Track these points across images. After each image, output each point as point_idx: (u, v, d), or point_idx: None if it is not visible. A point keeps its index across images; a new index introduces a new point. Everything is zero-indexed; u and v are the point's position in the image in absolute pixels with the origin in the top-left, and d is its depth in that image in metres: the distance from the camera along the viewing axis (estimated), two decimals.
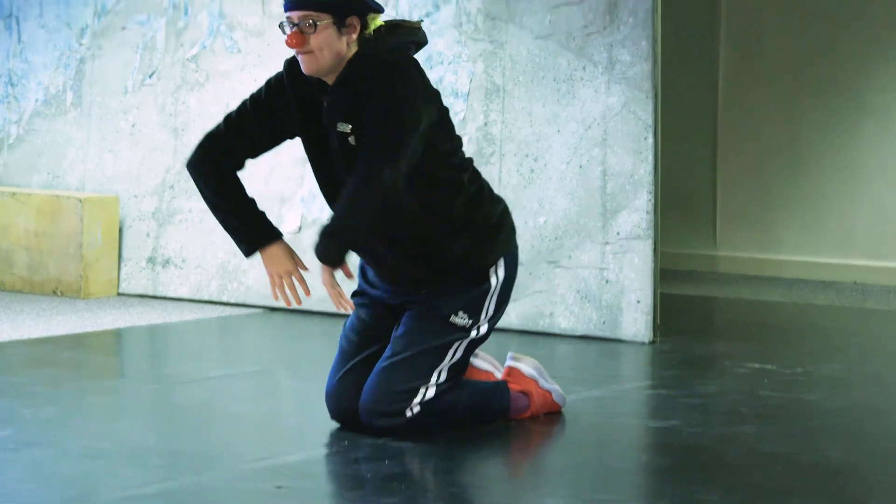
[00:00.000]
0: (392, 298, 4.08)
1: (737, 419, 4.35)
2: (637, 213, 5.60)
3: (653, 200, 5.58)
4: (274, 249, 3.97)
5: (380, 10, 3.92)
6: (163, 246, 6.63)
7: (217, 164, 3.99)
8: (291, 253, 4.00)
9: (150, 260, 6.66)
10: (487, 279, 4.04)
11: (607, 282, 5.65)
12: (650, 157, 5.57)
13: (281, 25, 3.89)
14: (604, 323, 5.66)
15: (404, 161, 3.80)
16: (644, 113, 5.56)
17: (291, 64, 3.95)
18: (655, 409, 4.62)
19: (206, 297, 6.51)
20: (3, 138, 7.10)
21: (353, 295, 4.12)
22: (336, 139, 3.89)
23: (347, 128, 3.86)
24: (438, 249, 3.99)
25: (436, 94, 3.96)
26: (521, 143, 5.80)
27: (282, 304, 4.03)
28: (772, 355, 5.40)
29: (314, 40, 3.82)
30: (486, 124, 5.86)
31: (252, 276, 6.34)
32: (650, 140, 5.56)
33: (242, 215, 4.01)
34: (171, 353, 5.84)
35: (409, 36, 3.96)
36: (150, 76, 6.65)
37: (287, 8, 3.86)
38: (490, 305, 4.06)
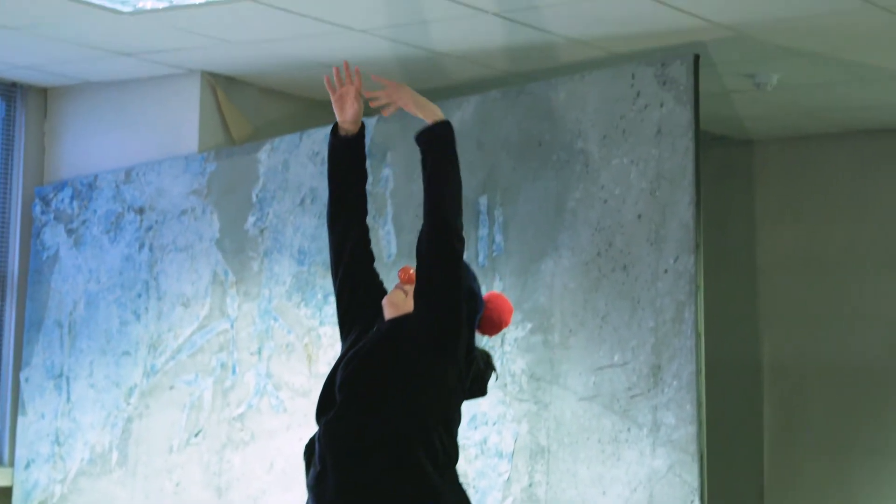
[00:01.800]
0: None
1: None
2: None
3: None
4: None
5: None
6: None
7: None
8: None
9: None
10: None
11: None
12: None
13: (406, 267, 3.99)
14: None
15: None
16: (690, 476, 5.50)
17: None
18: None
19: None
20: (47, 498, 7.08)
21: None
22: (352, 356, 3.89)
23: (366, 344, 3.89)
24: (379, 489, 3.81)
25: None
26: None
27: None
28: None
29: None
30: (530, 485, 5.81)
31: None
32: (696, 503, 5.48)
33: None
34: None
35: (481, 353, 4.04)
36: (196, 435, 6.68)
37: None
38: None
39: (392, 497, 3.76)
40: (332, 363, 4.02)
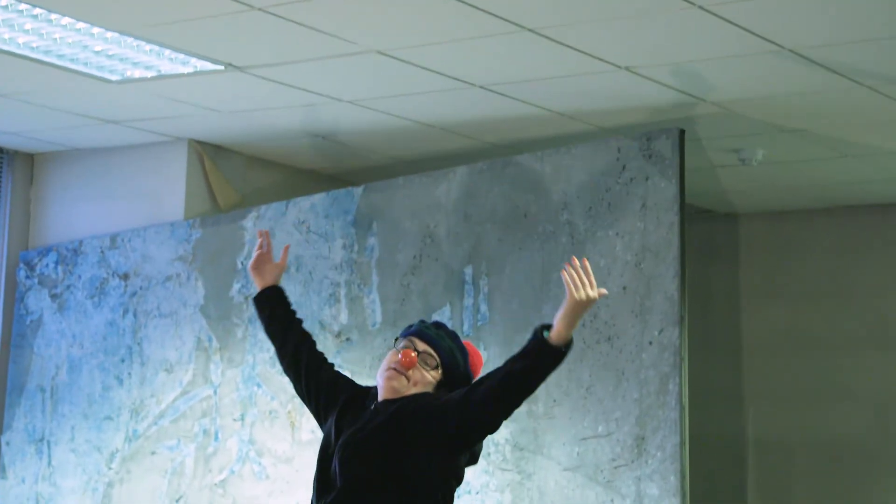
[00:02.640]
0: None
1: None
2: None
3: None
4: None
5: None
6: None
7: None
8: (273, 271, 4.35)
9: None
10: None
11: None
12: None
13: (397, 339, 4.02)
14: None
15: None
16: None
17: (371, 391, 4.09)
18: None
19: None
20: None
21: None
22: (350, 436, 3.90)
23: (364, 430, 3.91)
24: None
25: None
26: None
27: None
28: None
29: (418, 373, 3.94)
30: None
31: None
32: None
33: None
34: None
35: None
36: (178, 501, 6.64)
37: (417, 334, 3.97)
38: None
39: None
40: (318, 436, 4.05)
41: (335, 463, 3.89)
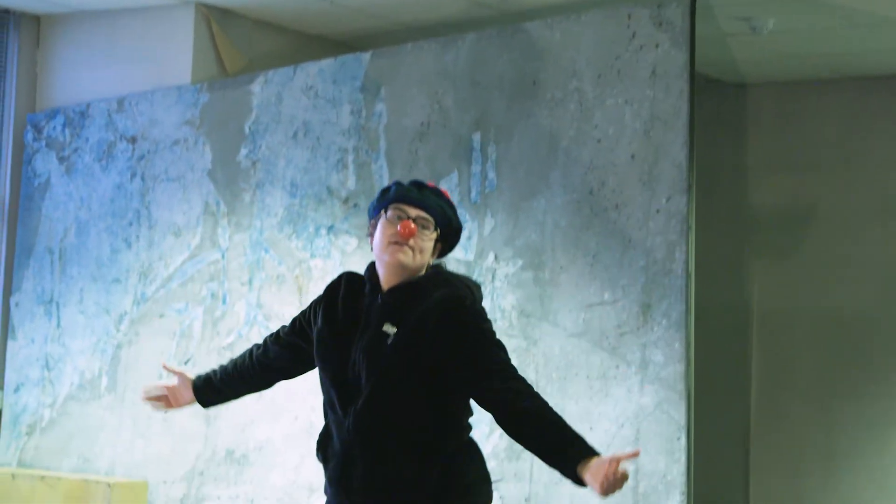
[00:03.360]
0: None
1: None
2: None
3: (685, 501, 5.51)
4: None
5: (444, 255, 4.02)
6: None
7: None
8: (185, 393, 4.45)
9: None
10: None
11: None
12: (683, 458, 5.52)
13: (384, 210, 3.91)
14: None
15: None
16: (677, 414, 5.54)
17: (349, 278, 4.02)
18: None
19: None
20: (36, 421, 7.11)
21: None
22: (371, 338, 3.85)
23: (392, 329, 3.82)
24: (411, 475, 3.81)
25: None
26: None
27: None
28: None
29: (419, 241, 3.86)
30: None
31: None
32: (683, 441, 5.52)
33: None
34: None
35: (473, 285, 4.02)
36: (186, 363, 6.70)
37: (404, 200, 3.92)
38: None
39: (423, 484, 3.80)
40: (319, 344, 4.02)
41: (359, 369, 3.84)
